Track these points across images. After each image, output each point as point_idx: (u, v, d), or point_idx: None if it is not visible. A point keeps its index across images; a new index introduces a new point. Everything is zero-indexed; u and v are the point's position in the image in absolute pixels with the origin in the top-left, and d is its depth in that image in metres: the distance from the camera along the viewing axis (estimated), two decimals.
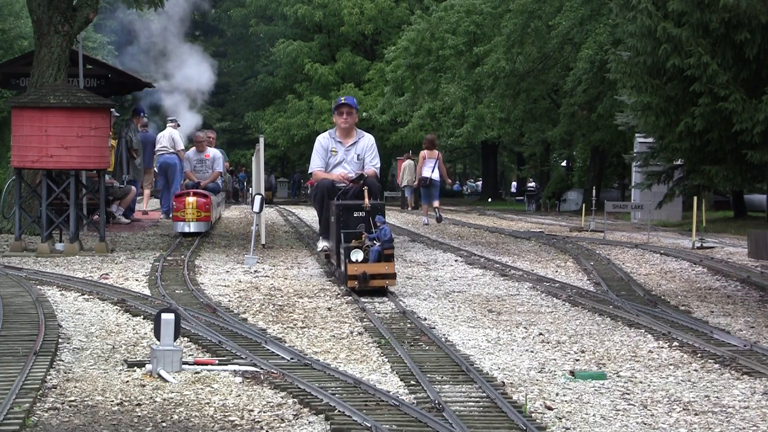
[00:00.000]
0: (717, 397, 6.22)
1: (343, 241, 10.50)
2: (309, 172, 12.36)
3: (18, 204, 14.17)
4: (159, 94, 36.54)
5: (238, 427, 5.38)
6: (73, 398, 5.88)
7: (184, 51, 44.43)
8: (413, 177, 27.57)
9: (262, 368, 6.63)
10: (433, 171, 22.04)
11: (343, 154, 11.75)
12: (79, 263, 12.75)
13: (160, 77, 43.10)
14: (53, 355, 6.91)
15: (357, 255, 10.24)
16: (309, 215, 26.81)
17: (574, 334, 8.26)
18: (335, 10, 43.29)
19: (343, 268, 10.47)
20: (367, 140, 11.92)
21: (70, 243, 13.83)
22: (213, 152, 20.12)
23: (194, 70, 43.46)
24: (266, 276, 11.81)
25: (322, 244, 11.84)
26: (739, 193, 26.31)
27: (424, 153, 22.51)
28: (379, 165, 11.91)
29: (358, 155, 11.76)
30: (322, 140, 11.93)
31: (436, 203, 22.25)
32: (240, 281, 11.30)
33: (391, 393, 5.98)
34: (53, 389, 6.07)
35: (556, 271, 12.82)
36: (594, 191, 24.44)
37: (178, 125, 23.37)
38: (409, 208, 30.44)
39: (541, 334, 8.23)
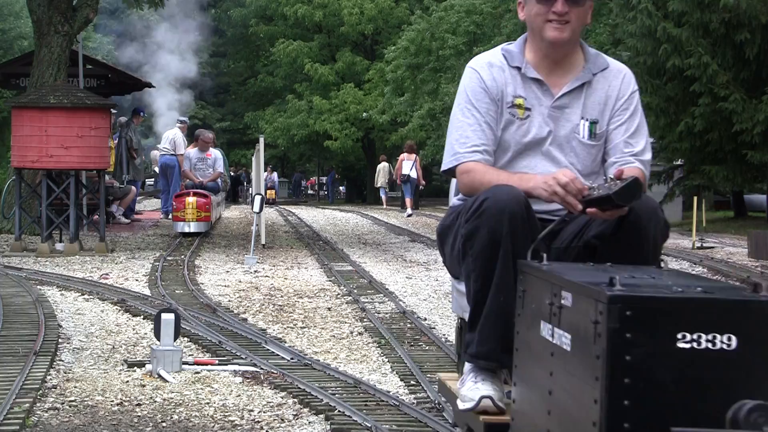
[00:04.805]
0: None
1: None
2: (447, 166, 3.87)
3: (18, 204, 14.17)
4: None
5: (238, 427, 5.38)
6: (73, 398, 5.88)
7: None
8: (386, 178, 32.22)
9: (262, 368, 6.63)
10: (411, 170, 26.70)
11: (546, 119, 3.80)
12: (79, 263, 12.75)
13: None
14: (53, 355, 6.90)
15: None
16: (309, 215, 26.81)
17: None
18: (335, 10, 43.29)
19: None
20: (619, 80, 3.87)
21: (70, 243, 13.83)
22: (214, 153, 20.13)
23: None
24: (266, 276, 11.80)
25: (482, 391, 3.49)
26: (739, 193, 26.32)
27: (403, 156, 27.35)
28: (650, 156, 3.94)
29: (592, 122, 3.83)
30: (485, 73, 3.83)
31: (409, 200, 26.62)
32: (240, 281, 11.30)
33: (391, 393, 5.98)
34: (53, 389, 6.07)
35: None
36: None
37: (185, 125, 23.19)
38: (384, 206, 31.88)
39: None
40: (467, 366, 3.58)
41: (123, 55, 46.05)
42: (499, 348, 3.45)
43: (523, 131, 3.79)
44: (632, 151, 3.83)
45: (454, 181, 3.99)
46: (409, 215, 25.76)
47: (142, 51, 47.28)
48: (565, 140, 3.81)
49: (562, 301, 2.82)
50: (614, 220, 3.44)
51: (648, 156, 3.91)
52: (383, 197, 33.08)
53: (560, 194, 3.43)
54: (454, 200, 3.99)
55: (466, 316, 3.59)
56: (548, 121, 3.79)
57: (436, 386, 6.17)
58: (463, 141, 3.79)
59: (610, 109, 3.85)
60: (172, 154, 21.46)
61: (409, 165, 27.00)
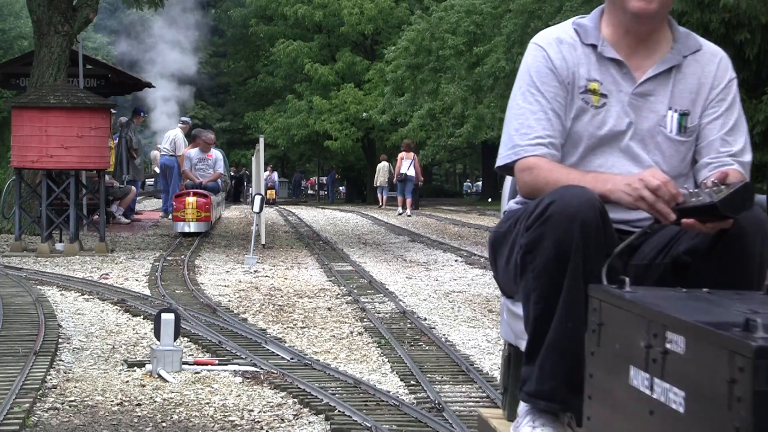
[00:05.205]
0: None
1: None
2: (503, 161, 3.18)
3: (18, 204, 14.18)
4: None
5: (238, 427, 5.38)
6: (73, 398, 5.88)
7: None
8: (386, 177, 32.22)
9: (262, 368, 6.63)
10: (409, 168, 27.15)
11: (625, 108, 3.16)
12: (79, 263, 12.75)
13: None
14: (53, 355, 6.90)
15: None
16: (309, 215, 26.82)
17: None
18: (335, 10, 43.27)
19: None
20: (714, 64, 3.25)
21: (70, 243, 13.84)
22: (215, 153, 20.14)
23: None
24: (266, 276, 11.80)
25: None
26: None
27: (402, 155, 27.76)
28: (750, 158, 3.25)
29: (682, 114, 3.19)
30: (553, 51, 3.18)
31: (408, 201, 26.98)
32: (240, 281, 11.30)
33: (391, 393, 5.98)
34: (53, 389, 6.07)
35: None
36: None
37: (187, 125, 23.13)
38: (382, 206, 32.23)
39: None
40: (523, 407, 2.95)
41: (119, 50, 46.10)
42: (564, 387, 2.82)
43: (597, 122, 3.17)
44: (730, 150, 3.20)
45: (508, 180, 3.41)
46: (400, 213, 26.23)
47: (138, 46, 47.36)
48: (648, 134, 3.18)
49: (668, 345, 2.12)
50: (714, 227, 2.80)
51: (748, 157, 3.23)
52: (380, 196, 33.30)
53: (649, 200, 2.80)
54: (510, 203, 3.32)
55: (521, 345, 3.00)
56: (628, 110, 3.17)
57: (436, 386, 6.17)
58: (525, 131, 3.14)
59: (704, 99, 3.22)
60: (171, 155, 21.47)
61: (407, 164, 27.45)
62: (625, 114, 3.14)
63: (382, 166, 33.18)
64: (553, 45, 3.18)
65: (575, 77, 3.15)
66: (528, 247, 2.83)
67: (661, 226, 2.92)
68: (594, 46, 3.17)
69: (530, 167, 3.08)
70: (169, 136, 22.12)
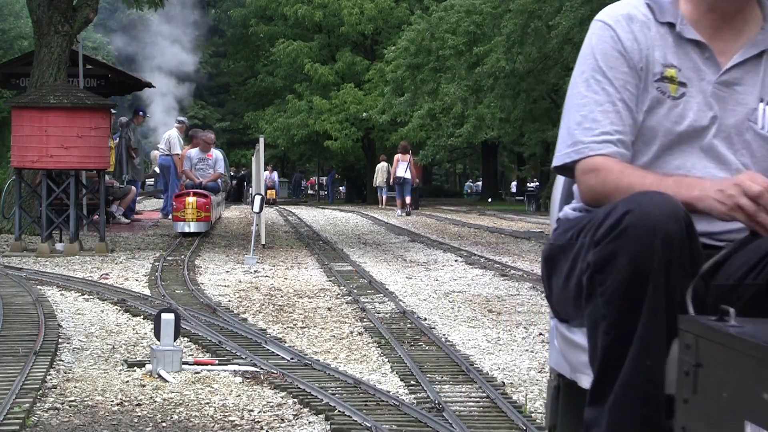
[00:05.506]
0: None
1: None
2: (563, 161, 2.72)
3: (18, 204, 14.18)
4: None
5: (238, 427, 5.37)
6: (73, 398, 5.87)
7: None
8: (385, 177, 32.43)
9: (262, 368, 6.62)
10: (405, 171, 27.27)
11: (708, 99, 2.66)
12: (79, 263, 12.75)
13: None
14: (53, 355, 6.90)
15: None
16: (309, 215, 26.83)
17: None
18: (335, 10, 43.27)
19: None
20: None
21: (70, 243, 13.84)
22: (216, 153, 20.14)
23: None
24: (266, 276, 11.81)
25: None
26: None
27: (398, 156, 27.90)
28: None
29: None
30: (623, 30, 2.67)
31: (408, 199, 27.15)
32: (240, 281, 11.30)
33: (391, 393, 5.98)
34: (53, 389, 6.07)
35: None
36: None
37: (184, 125, 23.12)
38: (382, 206, 32.62)
39: (541, 334, 8.23)
40: None
41: (116, 45, 46.12)
42: None
43: (675, 116, 2.65)
44: None
45: (559, 181, 3.01)
46: (400, 215, 26.27)
47: (136, 42, 47.38)
48: (735, 131, 2.67)
49: None
50: None
51: None
52: (380, 196, 33.47)
53: (748, 210, 2.33)
54: (565, 210, 2.79)
55: (581, 379, 2.54)
56: (712, 102, 2.66)
57: (436, 386, 6.17)
58: (589, 126, 2.64)
59: None
60: (167, 155, 21.51)
61: (404, 167, 27.65)
62: (708, 107, 2.65)
63: (382, 166, 33.34)
64: (623, 23, 2.67)
65: (649, 62, 2.65)
66: (597, 265, 2.34)
67: (747, 241, 2.46)
68: (671, 25, 2.67)
69: (596, 168, 2.60)
70: (165, 136, 22.26)
